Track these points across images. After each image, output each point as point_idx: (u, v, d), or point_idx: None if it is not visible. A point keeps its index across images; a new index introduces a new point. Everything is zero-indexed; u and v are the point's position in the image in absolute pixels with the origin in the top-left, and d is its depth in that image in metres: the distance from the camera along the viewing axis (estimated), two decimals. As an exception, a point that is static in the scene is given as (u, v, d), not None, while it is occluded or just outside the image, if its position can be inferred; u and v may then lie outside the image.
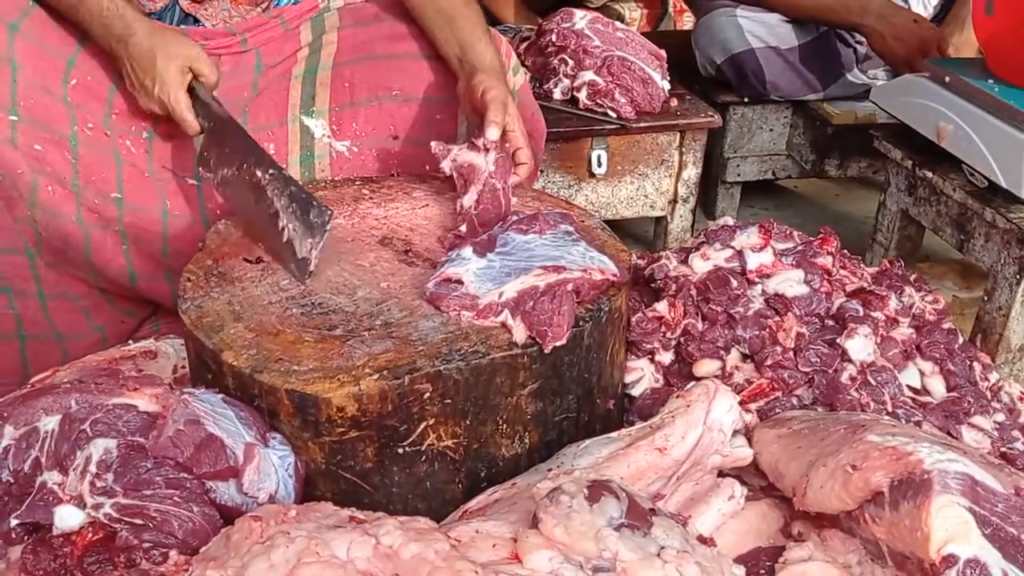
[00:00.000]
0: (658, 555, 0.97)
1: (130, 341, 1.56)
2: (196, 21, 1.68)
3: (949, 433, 1.42)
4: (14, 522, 1.08)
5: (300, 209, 1.37)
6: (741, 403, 1.37)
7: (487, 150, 1.46)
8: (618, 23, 2.49)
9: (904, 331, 1.53)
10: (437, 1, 1.65)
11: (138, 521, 1.05)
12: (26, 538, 1.09)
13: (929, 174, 2.05)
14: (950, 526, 1.01)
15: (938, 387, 1.50)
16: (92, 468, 1.07)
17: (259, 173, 1.42)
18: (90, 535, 1.06)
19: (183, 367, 1.45)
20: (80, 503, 1.06)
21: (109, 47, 1.50)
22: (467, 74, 1.58)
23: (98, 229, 1.58)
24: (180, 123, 1.51)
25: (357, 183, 1.65)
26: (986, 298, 1.92)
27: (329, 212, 1.36)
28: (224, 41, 1.68)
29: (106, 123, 1.56)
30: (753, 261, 1.54)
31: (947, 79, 1.98)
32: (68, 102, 1.52)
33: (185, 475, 1.08)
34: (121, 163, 1.57)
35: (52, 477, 1.08)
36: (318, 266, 1.35)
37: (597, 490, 1.02)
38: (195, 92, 1.51)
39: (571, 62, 2.39)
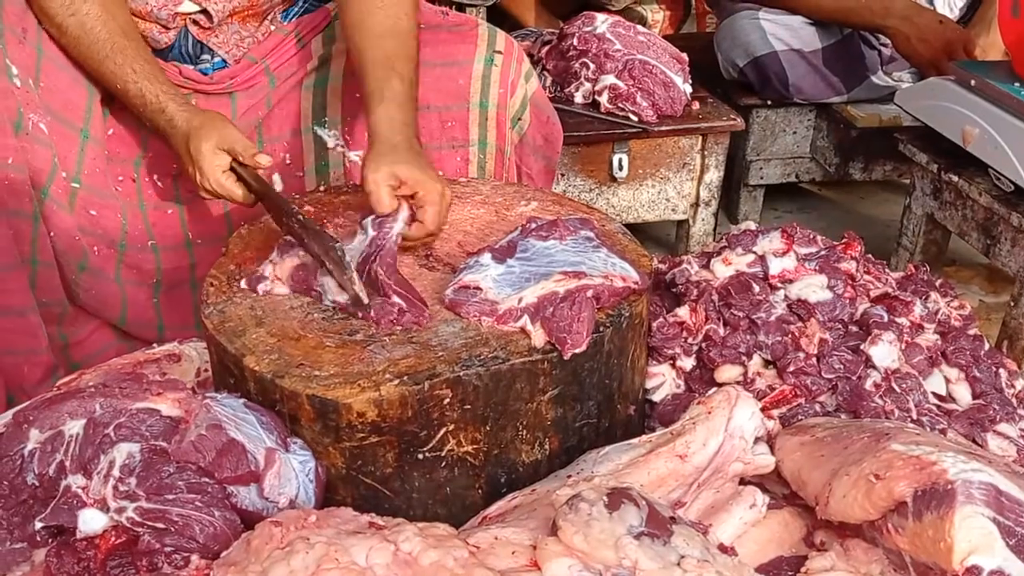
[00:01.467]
0: (678, 564, 0.97)
1: (154, 344, 1.57)
2: (207, 49, 1.69)
3: (975, 441, 1.40)
4: (39, 525, 1.09)
5: (322, 248, 1.31)
6: (763, 410, 1.36)
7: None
8: (639, 26, 2.48)
9: (929, 337, 1.51)
10: (351, 53, 1.55)
11: (160, 525, 1.06)
12: (50, 541, 1.10)
13: (955, 178, 2.03)
14: (974, 537, 1.00)
15: (964, 394, 1.48)
16: (115, 472, 1.08)
17: (291, 224, 1.37)
18: (113, 539, 1.07)
19: (206, 370, 1.46)
20: (103, 507, 1.08)
21: (157, 134, 1.53)
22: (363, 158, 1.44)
23: (133, 285, 1.63)
24: (234, 201, 1.49)
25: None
26: (1012, 303, 1.89)
27: (338, 246, 1.30)
28: (250, 72, 1.69)
29: (136, 164, 1.60)
30: (776, 266, 1.53)
31: (973, 82, 1.96)
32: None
33: (207, 480, 1.09)
34: (146, 209, 1.62)
35: (76, 481, 1.09)
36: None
37: (617, 498, 1.01)
38: (240, 171, 1.48)
39: (592, 66, 2.38)
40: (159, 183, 1.65)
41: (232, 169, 1.47)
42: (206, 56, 1.68)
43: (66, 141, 1.51)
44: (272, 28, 1.72)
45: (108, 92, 1.58)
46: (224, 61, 1.69)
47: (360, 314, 1.27)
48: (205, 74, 1.67)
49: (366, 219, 1.36)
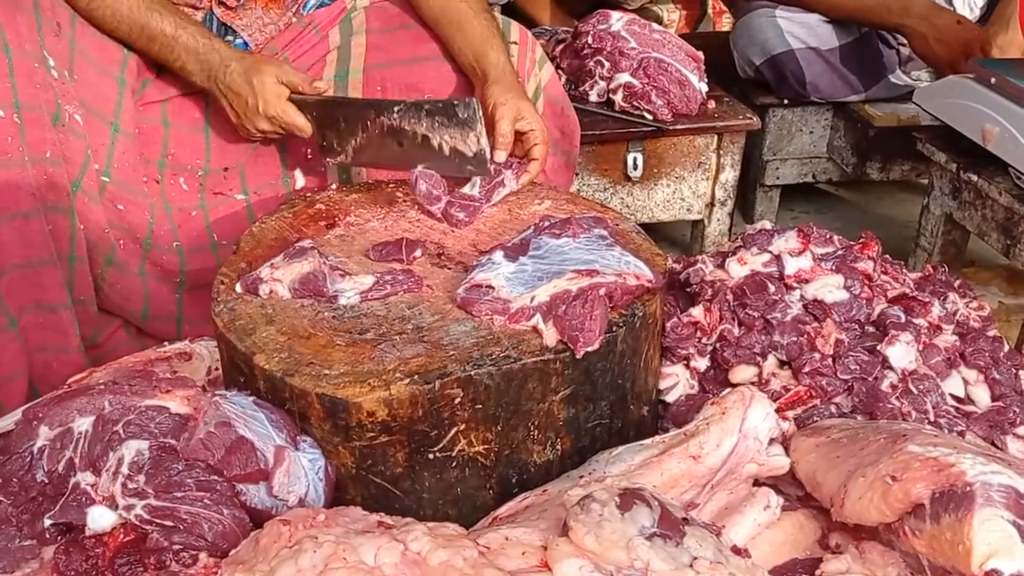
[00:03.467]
0: (690, 566, 0.95)
1: (165, 342, 1.57)
2: (231, 30, 1.71)
3: (994, 443, 1.38)
4: (48, 522, 1.09)
5: (445, 118, 1.45)
6: (778, 411, 1.34)
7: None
8: (655, 24, 2.47)
9: (947, 338, 1.49)
10: (449, 11, 1.67)
11: (168, 523, 1.05)
12: (59, 538, 1.10)
13: (974, 177, 2.00)
14: (993, 540, 0.98)
15: (982, 396, 1.46)
16: (124, 469, 1.07)
17: (386, 120, 1.52)
18: (121, 536, 1.07)
19: (217, 369, 1.46)
20: (112, 504, 1.07)
21: (206, 83, 1.59)
22: (480, 82, 1.61)
23: (156, 280, 1.65)
24: (294, 129, 1.60)
25: (391, 185, 1.65)
26: (1033, 305, 1.87)
27: (472, 100, 1.46)
28: None
29: (161, 164, 1.61)
30: (791, 266, 1.51)
31: (992, 80, 1.93)
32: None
33: (216, 477, 1.08)
34: (171, 210, 1.64)
35: (85, 478, 1.09)
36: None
37: (629, 498, 1.00)
38: (292, 100, 1.60)
39: (607, 64, 2.37)
40: (184, 186, 1.65)
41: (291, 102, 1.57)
42: (229, 38, 1.70)
43: (98, 134, 1.53)
44: (293, 19, 1.73)
45: (146, 59, 1.62)
46: (246, 44, 1.71)
47: (479, 172, 1.49)
48: None
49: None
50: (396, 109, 1.52)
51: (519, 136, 1.55)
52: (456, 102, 1.46)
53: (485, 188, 1.52)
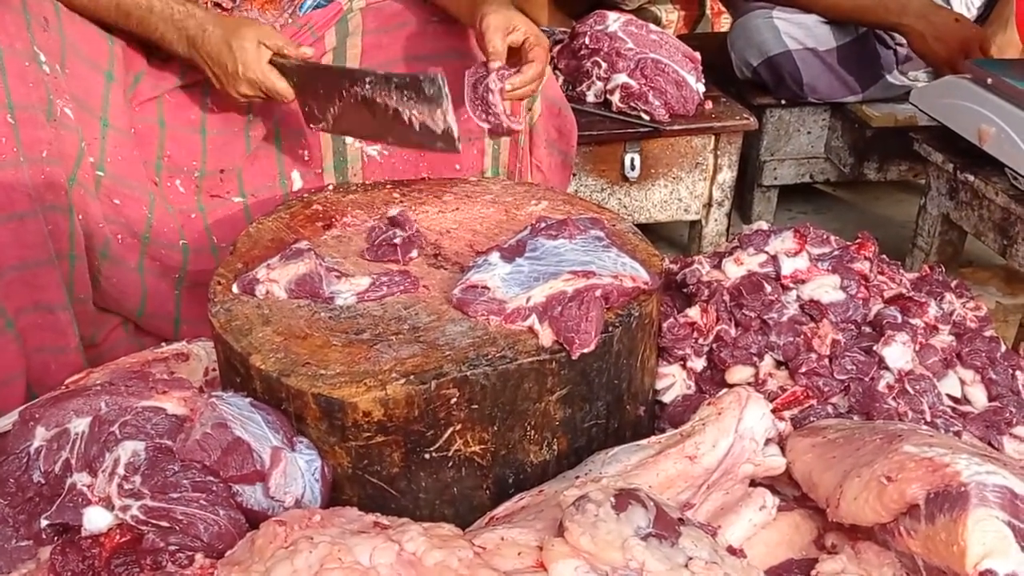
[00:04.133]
0: (686, 566, 0.96)
1: (163, 343, 1.57)
2: None
3: (990, 444, 1.38)
4: (44, 523, 1.09)
5: (413, 92, 1.44)
6: (774, 411, 1.34)
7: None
8: (652, 25, 2.47)
9: (944, 339, 1.49)
10: None
11: (164, 524, 1.05)
12: (55, 539, 1.10)
13: (971, 178, 2.00)
14: (988, 540, 0.98)
15: (979, 396, 1.46)
16: (120, 470, 1.07)
17: (359, 90, 1.50)
18: (117, 537, 1.07)
19: (214, 370, 1.46)
20: (108, 505, 1.07)
21: (185, 50, 1.56)
22: (477, 20, 1.58)
23: (154, 275, 1.64)
24: (274, 94, 1.56)
25: (388, 186, 1.65)
26: (1030, 305, 1.87)
27: (437, 76, 1.43)
28: None
29: (157, 167, 1.61)
30: (788, 266, 1.51)
31: (989, 81, 1.94)
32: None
33: (212, 478, 1.08)
34: (173, 210, 1.63)
35: (82, 479, 1.09)
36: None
37: (624, 499, 1.00)
38: (274, 64, 1.57)
39: (604, 65, 2.37)
40: (181, 188, 1.65)
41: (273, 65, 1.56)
42: None
43: (89, 128, 1.52)
44: (289, 20, 1.73)
45: (130, 42, 1.60)
46: None
47: (448, 149, 1.49)
48: None
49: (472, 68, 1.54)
50: (368, 80, 1.50)
51: (514, 49, 1.54)
52: (422, 77, 1.44)
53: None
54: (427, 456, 1.19)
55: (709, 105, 2.43)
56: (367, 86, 1.50)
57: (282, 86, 1.55)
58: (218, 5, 1.66)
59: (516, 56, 1.55)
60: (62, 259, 1.50)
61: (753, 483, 1.29)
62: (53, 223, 1.47)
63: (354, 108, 1.54)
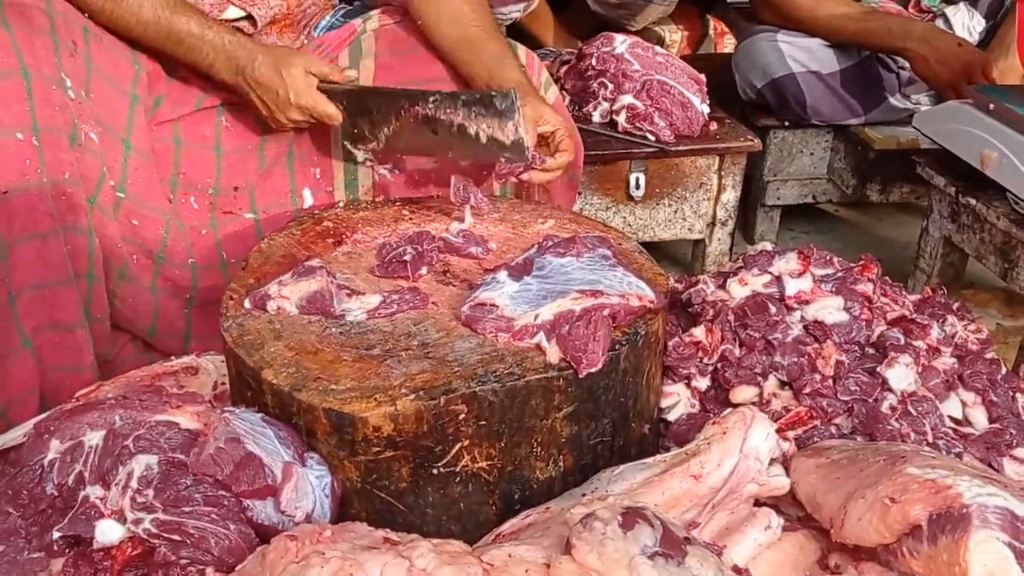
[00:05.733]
0: (692, 584, 0.97)
1: (172, 357, 1.59)
2: None
3: (990, 465, 1.40)
4: (56, 535, 1.10)
5: (483, 107, 1.51)
6: (778, 431, 1.36)
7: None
8: (658, 47, 2.49)
9: (946, 360, 1.50)
10: (464, 36, 1.70)
11: (176, 537, 1.06)
12: (67, 551, 1.11)
13: (972, 201, 2.02)
14: (989, 561, 0.99)
15: (980, 418, 1.47)
16: (133, 483, 1.08)
17: (421, 109, 1.56)
18: (129, 550, 1.08)
19: (223, 383, 1.47)
20: (121, 518, 1.08)
21: (232, 77, 1.61)
22: None
23: (166, 295, 1.66)
24: (325, 118, 1.63)
25: (398, 204, 1.67)
26: (1031, 328, 1.88)
27: (511, 91, 1.50)
28: None
29: (173, 184, 1.63)
30: (792, 287, 1.52)
31: (991, 106, 1.96)
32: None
33: (224, 493, 1.09)
34: (184, 228, 1.65)
35: (95, 491, 1.10)
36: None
37: (631, 517, 1.01)
38: (322, 90, 1.63)
39: (610, 85, 2.39)
40: (195, 204, 1.67)
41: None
42: None
43: (112, 151, 1.54)
44: (305, 42, 1.76)
45: (167, 65, 1.64)
46: None
47: (517, 159, 1.55)
48: None
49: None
50: (432, 99, 1.55)
51: (543, 138, 1.61)
52: (494, 93, 1.51)
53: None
54: (435, 471, 1.20)
55: (713, 126, 2.45)
56: (430, 105, 1.56)
57: (332, 110, 1.62)
58: (239, 30, 1.69)
59: (544, 146, 1.62)
60: (80, 278, 1.51)
61: (758, 503, 1.30)
62: (72, 243, 1.49)
63: (412, 127, 1.59)
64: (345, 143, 1.70)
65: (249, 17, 1.69)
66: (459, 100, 1.54)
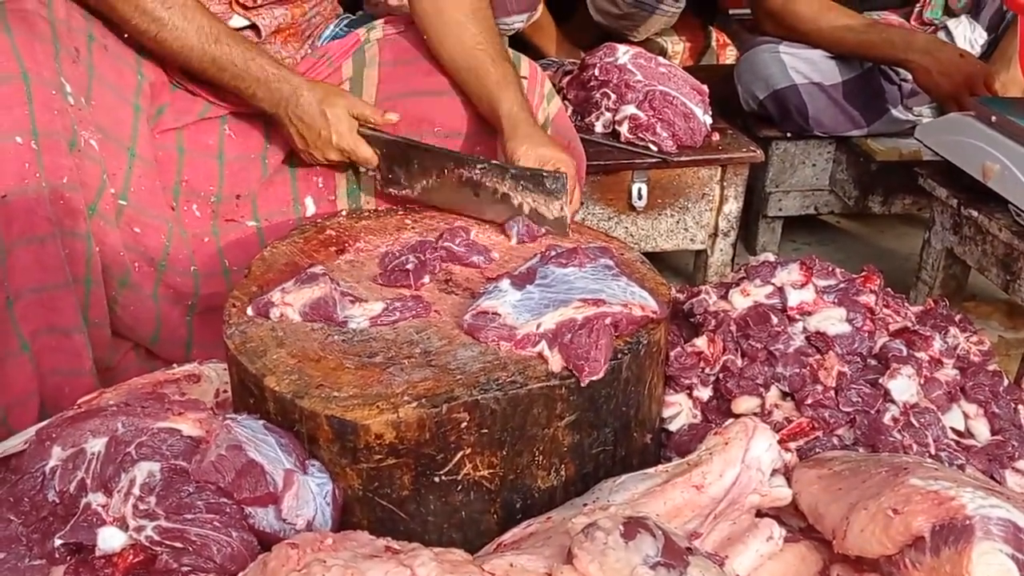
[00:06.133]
0: (694, 594, 0.96)
1: (174, 364, 1.59)
2: None
3: (993, 477, 1.39)
4: (58, 542, 1.10)
5: (531, 184, 1.54)
6: (780, 442, 1.35)
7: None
8: (660, 58, 2.50)
9: (948, 372, 1.50)
10: (467, 57, 1.69)
11: (178, 545, 1.06)
12: (69, 559, 1.11)
13: (975, 213, 2.03)
14: (992, 573, 0.99)
15: (982, 430, 1.47)
16: (136, 491, 1.08)
17: (466, 172, 1.58)
18: (131, 557, 1.07)
19: (225, 391, 1.47)
20: (123, 525, 1.08)
21: (273, 109, 1.62)
22: (499, 131, 1.64)
23: (168, 302, 1.66)
24: (362, 162, 1.67)
25: (400, 213, 1.67)
26: (1033, 339, 1.88)
27: (562, 176, 1.53)
28: None
29: (175, 192, 1.63)
30: (794, 298, 1.53)
31: (993, 118, 1.96)
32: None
33: (225, 500, 1.09)
34: (187, 236, 1.65)
35: (97, 498, 1.10)
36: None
37: (633, 527, 1.01)
38: (363, 135, 1.66)
39: (613, 96, 2.40)
40: (197, 212, 1.68)
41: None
42: None
43: (115, 159, 1.54)
44: (309, 51, 1.76)
45: (208, 84, 1.65)
46: None
47: (556, 233, 1.56)
48: None
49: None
50: (479, 167, 1.57)
51: None
52: (545, 174, 1.53)
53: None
54: (437, 479, 1.20)
55: (716, 137, 2.46)
56: (476, 171, 1.57)
57: (369, 154, 1.65)
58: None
59: None
60: (78, 283, 1.51)
61: (760, 514, 1.29)
62: (70, 248, 1.49)
63: (454, 185, 1.61)
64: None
65: (253, 27, 1.70)
66: (508, 173, 1.55)
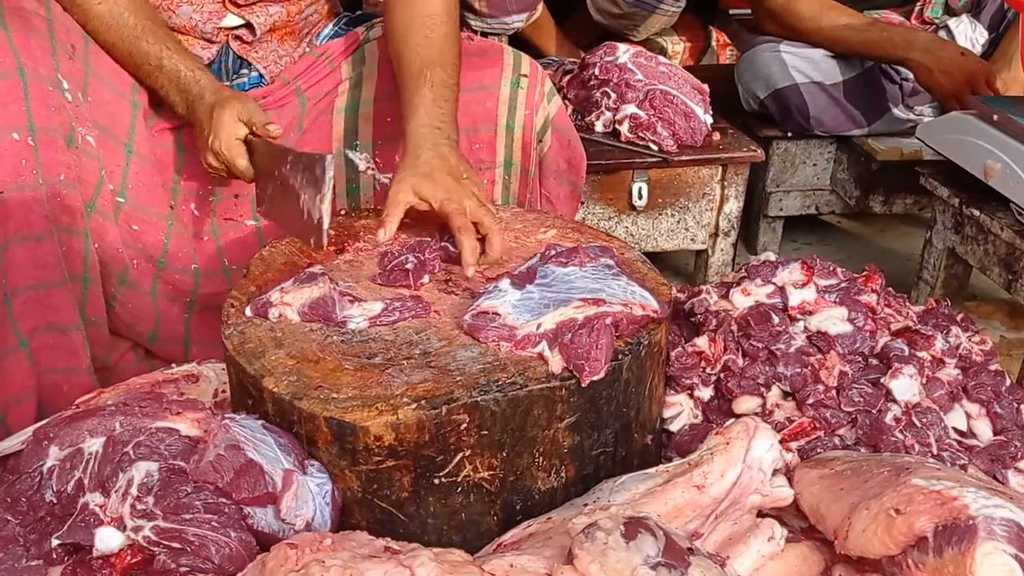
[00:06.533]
0: (695, 595, 0.96)
1: (173, 364, 1.58)
2: (247, 64, 1.73)
3: (995, 477, 1.39)
4: (55, 542, 1.10)
5: (306, 170, 1.36)
6: (781, 442, 1.35)
7: None
8: (661, 57, 2.50)
9: (950, 372, 1.50)
10: (411, 64, 1.57)
11: (176, 545, 1.06)
12: (66, 559, 1.10)
13: (976, 212, 2.02)
14: (995, 573, 0.99)
15: (984, 430, 1.47)
16: (133, 491, 1.08)
17: (283, 169, 1.43)
18: (129, 558, 1.07)
19: (223, 391, 1.47)
20: (120, 525, 1.08)
21: (184, 111, 1.57)
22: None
23: (167, 300, 1.65)
24: (235, 171, 1.53)
25: (400, 212, 1.66)
26: (1035, 339, 1.88)
27: (328, 156, 1.33)
28: (282, 92, 1.73)
29: (174, 191, 1.62)
30: (795, 298, 1.52)
31: (995, 117, 1.96)
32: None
33: (224, 500, 1.09)
34: (185, 233, 1.65)
35: (94, 499, 1.10)
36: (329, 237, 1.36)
37: (634, 527, 1.01)
38: (248, 143, 1.53)
39: (613, 95, 2.40)
40: (195, 211, 1.67)
41: (246, 143, 1.51)
42: (244, 71, 1.72)
43: (113, 155, 1.54)
44: (307, 49, 1.76)
45: (145, 90, 1.61)
46: (261, 76, 1.73)
47: (310, 242, 1.38)
48: (242, 90, 1.71)
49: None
50: (289, 158, 1.42)
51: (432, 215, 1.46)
52: (318, 157, 1.36)
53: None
54: (436, 481, 1.19)
55: (716, 136, 2.45)
56: (287, 165, 1.41)
57: (243, 164, 1.50)
58: (238, 38, 1.69)
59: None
60: (75, 281, 1.51)
61: (761, 514, 1.29)
62: (67, 245, 1.49)
63: (280, 191, 1.45)
64: (346, 151, 1.67)
65: (248, 25, 1.69)
66: (301, 161, 1.38)
